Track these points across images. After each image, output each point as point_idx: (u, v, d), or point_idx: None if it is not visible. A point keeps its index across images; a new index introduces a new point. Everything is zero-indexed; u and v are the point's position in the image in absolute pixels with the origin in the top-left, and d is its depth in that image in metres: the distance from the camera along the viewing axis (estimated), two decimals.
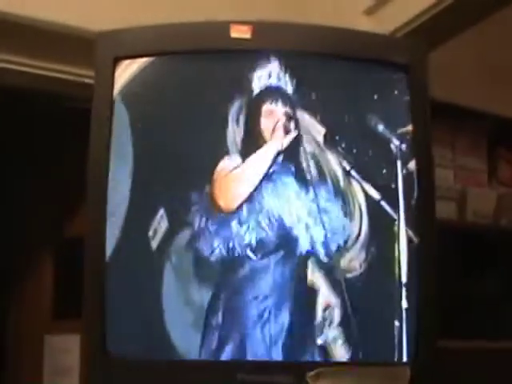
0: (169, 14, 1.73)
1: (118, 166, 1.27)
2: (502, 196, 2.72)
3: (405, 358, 1.27)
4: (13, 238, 3.17)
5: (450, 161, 2.68)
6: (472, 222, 2.62)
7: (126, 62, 1.35)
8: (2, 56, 1.89)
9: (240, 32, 1.34)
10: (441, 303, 1.38)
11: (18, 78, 1.96)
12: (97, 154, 1.32)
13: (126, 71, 1.35)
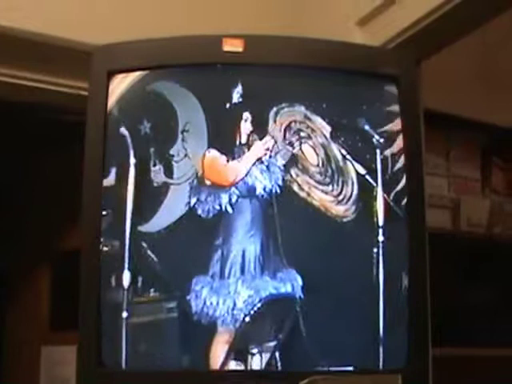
0: (163, 28, 1.76)
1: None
2: (495, 205, 2.74)
3: (396, 366, 1.29)
4: (10, 250, 3.19)
5: (444, 170, 2.72)
6: (465, 231, 2.64)
7: (120, 75, 1.38)
8: None
9: (232, 45, 1.38)
10: (434, 311, 1.40)
11: (12, 91, 1.98)
12: (91, 167, 1.35)
13: (120, 85, 1.37)
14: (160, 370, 1.32)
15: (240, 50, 1.38)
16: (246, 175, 1.38)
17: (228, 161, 1.38)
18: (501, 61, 2.70)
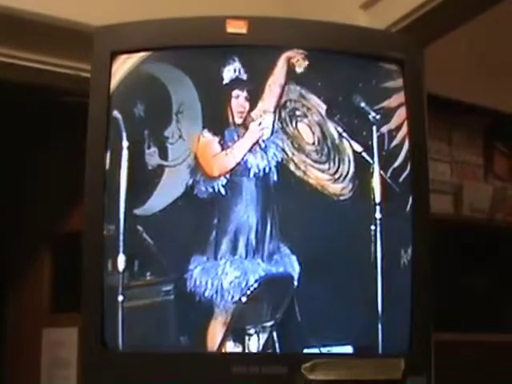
0: (166, 9, 1.75)
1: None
2: (497, 190, 2.74)
3: (398, 348, 1.29)
4: (11, 232, 3.19)
5: (447, 155, 2.72)
6: (468, 216, 2.64)
7: (123, 56, 1.37)
8: None
9: (236, 27, 1.37)
10: (437, 296, 1.40)
11: (15, 72, 1.97)
12: (94, 149, 1.34)
13: (123, 66, 1.36)
14: (157, 352, 1.31)
15: (244, 31, 1.37)
16: (237, 165, 1.37)
17: (221, 145, 1.38)
18: (503, 46, 2.69)
